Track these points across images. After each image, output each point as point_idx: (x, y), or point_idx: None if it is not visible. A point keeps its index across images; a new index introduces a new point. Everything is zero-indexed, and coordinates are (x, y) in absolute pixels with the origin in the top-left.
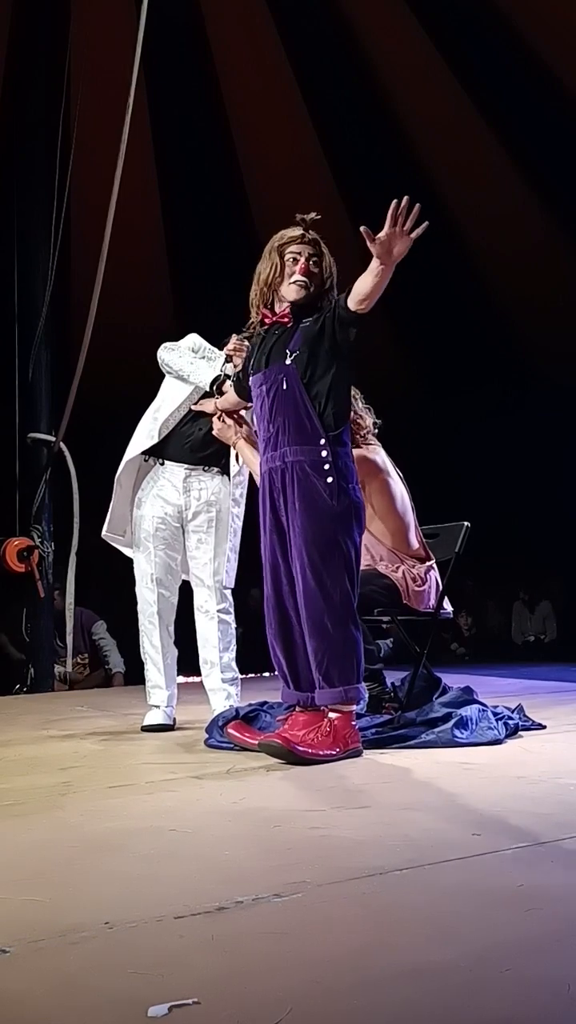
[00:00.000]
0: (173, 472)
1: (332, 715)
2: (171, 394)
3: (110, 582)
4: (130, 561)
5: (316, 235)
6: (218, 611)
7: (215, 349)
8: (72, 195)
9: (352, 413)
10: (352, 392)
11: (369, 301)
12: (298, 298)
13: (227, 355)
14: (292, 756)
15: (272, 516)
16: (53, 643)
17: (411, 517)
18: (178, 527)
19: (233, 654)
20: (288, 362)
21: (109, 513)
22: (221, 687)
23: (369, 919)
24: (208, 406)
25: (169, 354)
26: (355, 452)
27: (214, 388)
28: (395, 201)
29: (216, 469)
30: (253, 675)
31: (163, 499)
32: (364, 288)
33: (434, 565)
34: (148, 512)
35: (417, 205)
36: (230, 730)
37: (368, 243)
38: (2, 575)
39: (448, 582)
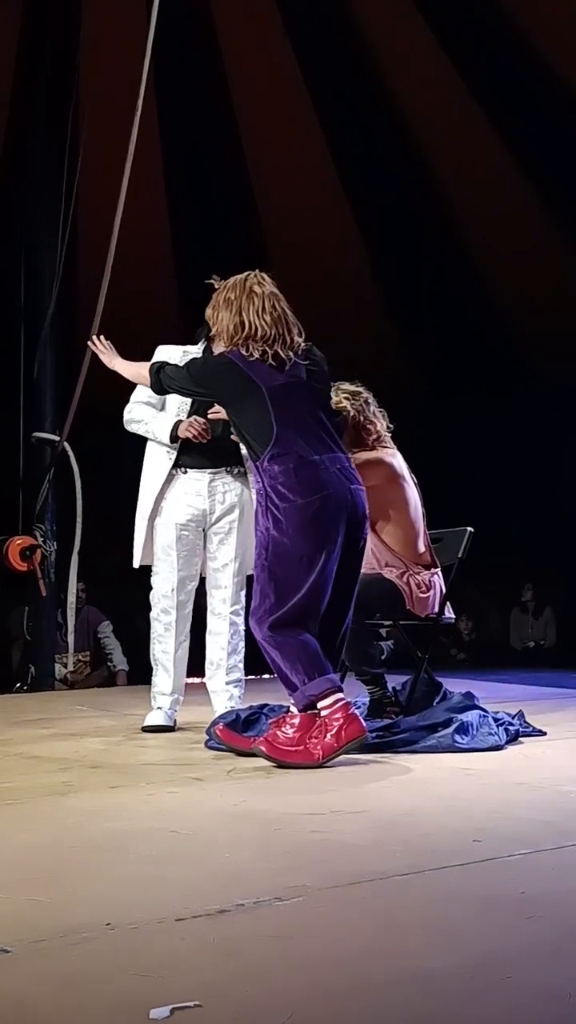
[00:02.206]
0: (197, 478)
1: (323, 712)
2: (173, 405)
3: (117, 584)
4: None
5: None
6: (230, 612)
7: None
8: (79, 195)
9: (363, 417)
10: (365, 396)
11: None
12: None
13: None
14: (278, 762)
15: None
16: (55, 641)
17: (421, 524)
18: (200, 531)
19: (240, 656)
20: None
21: (140, 545)
22: (224, 688)
23: (370, 924)
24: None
25: (132, 426)
26: (370, 455)
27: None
28: None
29: (239, 469)
30: (254, 677)
31: (188, 504)
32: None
33: (439, 572)
34: (170, 519)
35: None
36: (219, 734)
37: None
38: (4, 574)
39: (450, 587)
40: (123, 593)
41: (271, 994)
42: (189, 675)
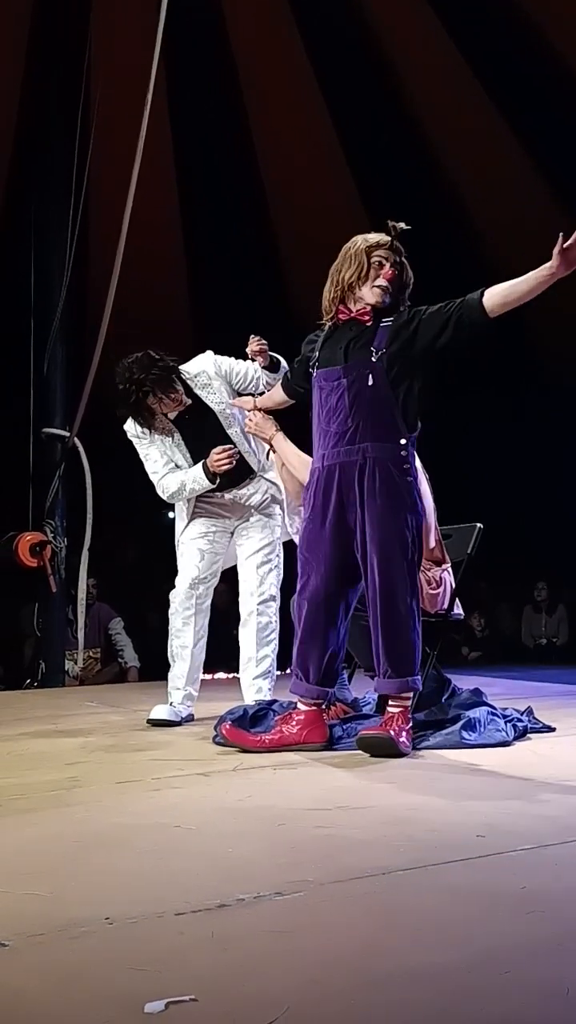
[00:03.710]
0: (220, 497)
1: (393, 709)
2: (180, 460)
3: (128, 580)
4: (145, 564)
5: (400, 245)
6: (258, 604)
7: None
8: (90, 190)
9: None
10: None
11: (509, 307)
12: (378, 301)
13: (250, 357)
14: (395, 749)
15: (338, 510)
16: (65, 637)
17: (433, 519)
18: (227, 533)
19: (269, 648)
20: (374, 359)
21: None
22: (251, 683)
23: (370, 919)
24: (247, 403)
25: (176, 498)
26: None
27: (211, 476)
28: None
29: (255, 475)
30: (279, 672)
31: (214, 514)
32: (515, 292)
33: (449, 568)
34: (198, 528)
35: None
36: (224, 733)
37: (556, 249)
38: (15, 570)
39: (460, 583)
40: (134, 590)
41: (268, 989)
42: (221, 670)
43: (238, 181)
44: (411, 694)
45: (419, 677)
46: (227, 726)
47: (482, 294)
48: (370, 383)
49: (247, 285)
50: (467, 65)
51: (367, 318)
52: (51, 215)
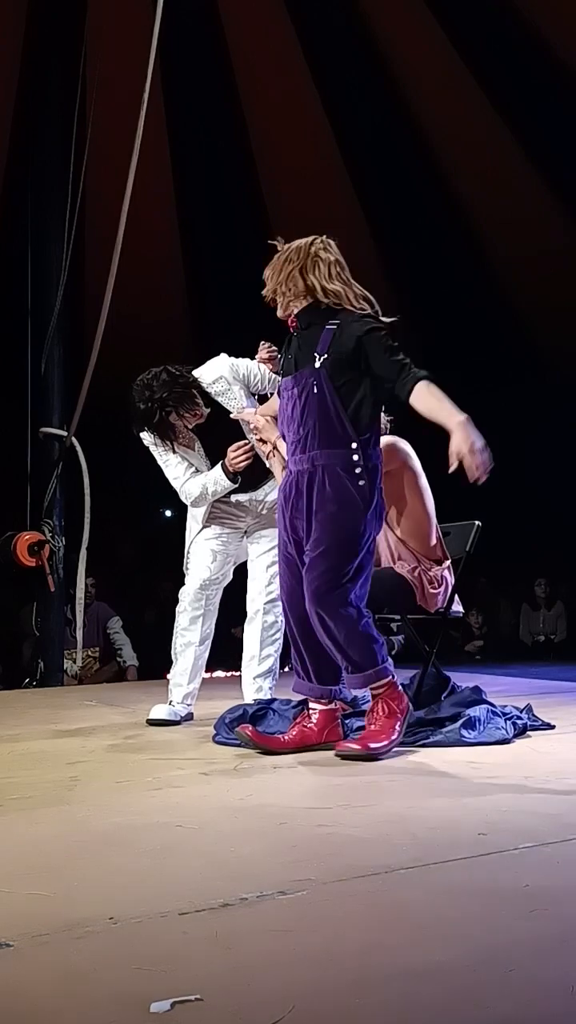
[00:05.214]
0: (236, 501)
1: (374, 695)
2: (199, 464)
3: (125, 580)
4: (143, 563)
5: (282, 249)
6: (265, 603)
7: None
8: (87, 190)
9: None
10: None
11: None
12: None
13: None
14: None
15: (291, 515)
16: (64, 636)
17: (433, 517)
18: (240, 534)
19: (273, 648)
20: (317, 365)
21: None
22: (252, 681)
23: (373, 918)
24: (248, 415)
25: (201, 502)
26: (385, 439)
27: (232, 476)
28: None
29: (271, 476)
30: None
31: (231, 517)
32: (432, 413)
33: (449, 566)
34: (212, 530)
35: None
36: (250, 736)
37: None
38: (13, 569)
39: (458, 581)
40: (133, 589)
41: (272, 988)
42: (226, 669)
43: (236, 181)
44: (386, 679)
45: (389, 664)
46: (251, 730)
47: (413, 390)
48: (315, 391)
49: (245, 285)
50: (466, 65)
51: (294, 326)
52: (48, 215)
